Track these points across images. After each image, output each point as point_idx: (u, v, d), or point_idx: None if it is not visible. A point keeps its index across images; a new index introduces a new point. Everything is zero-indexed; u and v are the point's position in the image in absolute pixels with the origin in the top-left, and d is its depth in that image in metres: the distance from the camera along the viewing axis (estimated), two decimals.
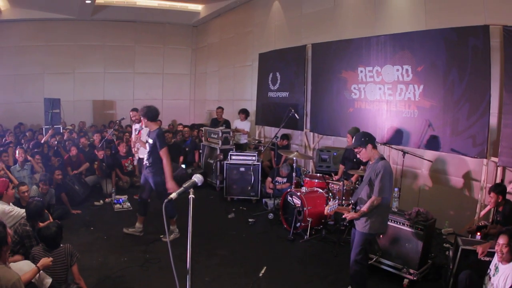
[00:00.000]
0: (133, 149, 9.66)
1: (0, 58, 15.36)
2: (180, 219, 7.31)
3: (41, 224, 5.36)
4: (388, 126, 8.07)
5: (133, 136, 9.62)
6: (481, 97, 6.52)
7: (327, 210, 5.12)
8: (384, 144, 8.02)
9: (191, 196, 2.80)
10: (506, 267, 3.94)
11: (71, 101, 16.20)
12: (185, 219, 2.69)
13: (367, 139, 4.86)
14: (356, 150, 4.95)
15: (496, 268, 4.09)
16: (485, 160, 6.66)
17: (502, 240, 4.00)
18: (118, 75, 17.54)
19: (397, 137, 7.93)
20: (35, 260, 4.56)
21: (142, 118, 7.09)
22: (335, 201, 5.22)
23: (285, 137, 11.06)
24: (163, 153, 6.82)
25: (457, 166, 7.37)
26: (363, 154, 4.92)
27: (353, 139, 5.00)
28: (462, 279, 4.49)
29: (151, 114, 6.94)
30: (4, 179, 6.35)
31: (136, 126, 9.44)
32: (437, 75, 7.20)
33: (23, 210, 5.66)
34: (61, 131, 13.19)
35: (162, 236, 7.19)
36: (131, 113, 9.72)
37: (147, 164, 7.05)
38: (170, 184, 6.84)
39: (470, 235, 5.70)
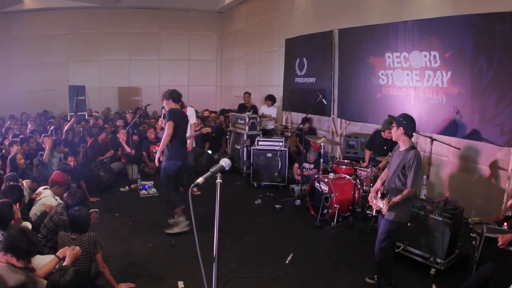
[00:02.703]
0: None
1: (24, 47, 15.56)
2: (208, 204, 7.39)
3: None
4: (416, 112, 7.94)
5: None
6: (509, 85, 6.40)
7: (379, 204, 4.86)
8: None
9: (219, 181, 2.70)
10: None
11: (96, 88, 16.41)
12: (213, 204, 2.67)
13: (404, 122, 4.83)
14: (393, 123, 4.94)
15: None
16: None
17: None
18: (144, 62, 17.63)
19: (425, 124, 7.84)
20: (58, 245, 4.66)
21: (166, 100, 6.97)
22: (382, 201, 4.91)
23: (306, 120, 10.78)
24: (168, 125, 6.70)
25: (485, 154, 7.27)
26: (394, 132, 4.92)
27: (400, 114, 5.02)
28: (482, 271, 4.49)
29: (175, 95, 6.97)
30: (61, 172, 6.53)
31: None
32: (465, 62, 7.08)
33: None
34: (86, 118, 13.39)
35: (169, 221, 7.21)
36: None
37: None
38: (157, 155, 6.95)
39: (497, 225, 5.65)
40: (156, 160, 7.09)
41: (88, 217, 4.90)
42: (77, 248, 4.39)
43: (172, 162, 6.88)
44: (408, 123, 4.84)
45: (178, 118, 6.82)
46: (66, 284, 3.36)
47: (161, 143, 6.85)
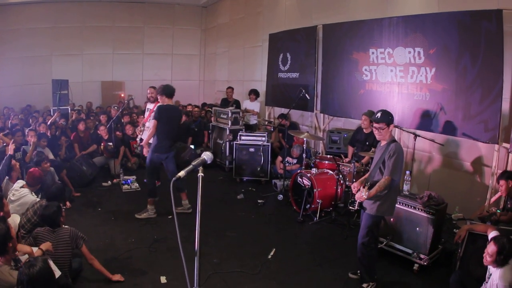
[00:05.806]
0: (138, 128, 9.58)
1: (8, 40, 15.36)
2: (190, 199, 7.45)
3: None
4: (399, 108, 7.99)
5: (146, 115, 9.58)
6: (493, 82, 6.40)
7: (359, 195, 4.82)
8: (395, 126, 7.94)
9: (200, 174, 2.70)
10: (494, 271, 3.82)
11: (79, 82, 16.26)
12: (195, 199, 2.62)
13: (390, 118, 4.79)
14: (378, 125, 4.79)
15: (489, 271, 3.98)
16: (496, 146, 6.58)
17: (490, 249, 3.82)
18: (127, 56, 17.54)
19: (408, 120, 7.87)
20: (37, 240, 4.56)
21: (159, 96, 7.28)
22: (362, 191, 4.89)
23: (283, 116, 10.81)
24: (152, 124, 7.11)
25: (469, 151, 7.31)
26: (384, 132, 4.79)
27: (379, 114, 4.83)
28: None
29: (168, 90, 7.22)
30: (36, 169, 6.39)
31: (149, 106, 9.39)
32: (450, 58, 7.08)
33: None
34: (69, 112, 13.21)
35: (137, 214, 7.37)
36: (148, 90, 9.52)
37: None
38: (144, 149, 7.42)
39: (480, 221, 5.66)
40: (145, 153, 7.39)
41: (57, 212, 4.79)
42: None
43: (156, 155, 7.20)
44: (392, 117, 4.82)
45: (165, 115, 7.08)
46: (35, 275, 3.33)
47: (146, 138, 7.45)
